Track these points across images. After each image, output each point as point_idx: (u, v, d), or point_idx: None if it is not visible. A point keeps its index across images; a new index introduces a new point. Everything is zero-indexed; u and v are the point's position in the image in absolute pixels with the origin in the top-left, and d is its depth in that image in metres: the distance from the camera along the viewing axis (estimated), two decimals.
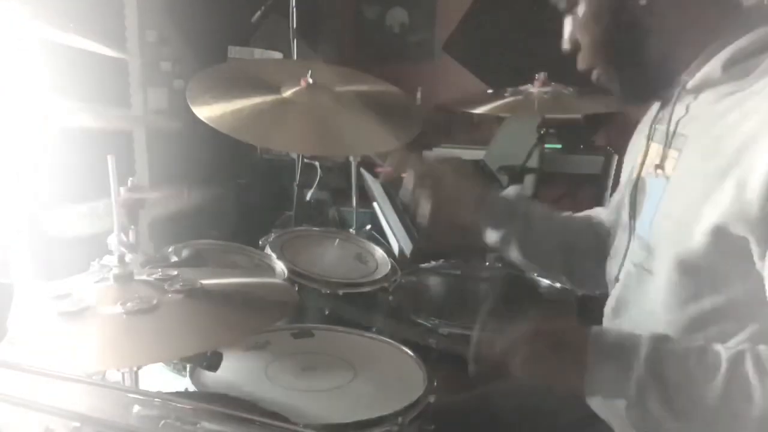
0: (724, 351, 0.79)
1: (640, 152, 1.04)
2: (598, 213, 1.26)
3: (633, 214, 1.01)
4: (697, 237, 0.83)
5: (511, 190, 1.25)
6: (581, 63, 0.99)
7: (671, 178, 0.92)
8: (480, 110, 1.95)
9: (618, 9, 0.92)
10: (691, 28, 0.90)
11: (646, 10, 0.89)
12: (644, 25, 0.91)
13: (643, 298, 0.96)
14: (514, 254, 1.22)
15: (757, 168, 0.76)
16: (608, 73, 0.98)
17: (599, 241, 1.16)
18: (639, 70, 0.96)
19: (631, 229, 1.02)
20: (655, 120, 1.02)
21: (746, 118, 0.81)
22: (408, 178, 1.18)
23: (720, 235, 0.80)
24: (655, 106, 1.04)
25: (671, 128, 0.94)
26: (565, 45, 1.00)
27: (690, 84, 0.91)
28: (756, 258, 0.79)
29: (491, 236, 1.22)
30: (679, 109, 0.94)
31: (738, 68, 0.86)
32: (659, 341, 0.82)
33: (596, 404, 1.01)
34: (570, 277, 1.26)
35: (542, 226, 1.21)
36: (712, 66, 0.88)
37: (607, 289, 1.17)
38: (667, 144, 0.94)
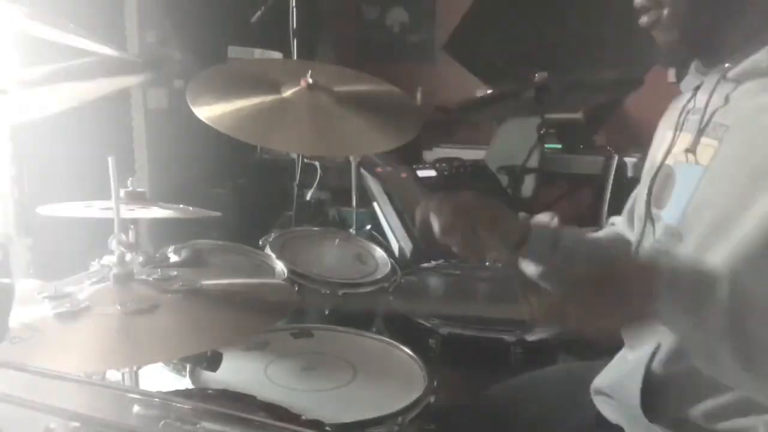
0: None
1: (664, 142, 1.03)
2: (618, 224, 1.22)
3: (650, 203, 1.00)
4: (741, 227, 0.82)
5: (544, 218, 1.16)
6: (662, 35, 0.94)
7: (710, 167, 0.90)
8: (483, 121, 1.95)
9: None
10: (746, 7, 0.89)
11: None
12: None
13: None
14: (554, 286, 1.16)
15: None
16: (676, 27, 0.93)
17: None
18: (695, 28, 0.93)
19: (652, 219, 1.00)
20: (685, 110, 1.01)
21: None
22: (435, 218, 1.07)
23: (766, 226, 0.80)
24: (685, 95, 1.03)
25: (707, 117, 0.93)
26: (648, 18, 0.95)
27: (733, 73, 0.90)
28: None
29: (530, 268, 1.15)
30: (716, 99, 0.93)
31: None
32: (741, 284, 0.77)
33: (606, 408, 1.01)
34: None
35: (583, 256, 1.14)
36: (759, 55, 0.87)
37: None
38: (701, 133, 0.93)
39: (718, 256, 0.85)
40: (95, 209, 1.23)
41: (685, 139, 0.97)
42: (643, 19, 0.95)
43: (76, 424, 0.51)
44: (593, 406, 1.05)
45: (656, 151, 1.06)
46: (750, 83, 0.89)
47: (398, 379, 1.15)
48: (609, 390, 1.02)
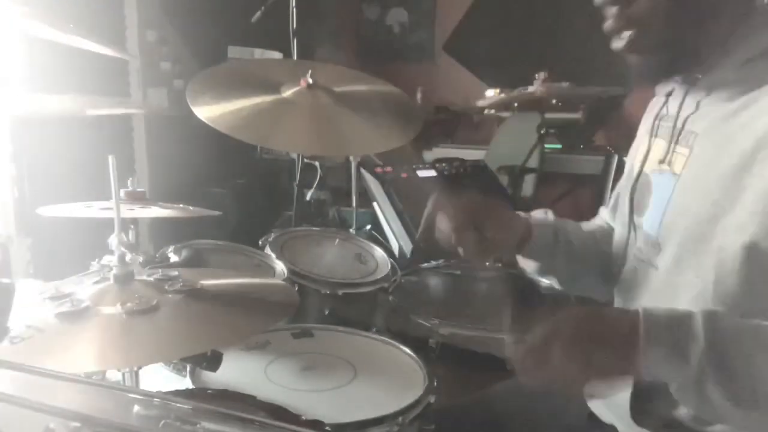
0: None
1: (642, 148, 1.03)
2: (603, 215, 1.24)
3: (633, 210, 1.00)
4: (715, 237, 0.82)
5: (539, 214, 1.18)
6: (619, 21, 0.91)
7: (682, 175, 0.91)
8: (482, 104, 1.95)
9: None
10: (714, 19, 0.88)
11: None
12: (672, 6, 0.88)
13: (648, 294, 0.95)
14: (552, 281, 1.19)
15: None
16: (646, 38, 0.91)
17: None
18: (668, 46, 0.91)
19: (634, 226, 1.01)
20: (659, 116, 1.01)
21: (761, 116, 0.80)
22: (443, 221, 1.11)
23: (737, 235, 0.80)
24: (658, 101, 1.03)
25: (678, 124, 0.93)
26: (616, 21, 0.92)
27: (702, 81, 0.90)
28: None
29: (528, 265, 1.17)
30: (688, 105, 0.93)
31: (753, 66, 0.85)
32: (715, 319, 0.75)
33: (598, 408, 1.01)
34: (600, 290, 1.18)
35: (579, 251, 1.15)
36: (726, 64, 0.87)
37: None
38: (674, 140, 0.93)
39: (693, 269, 0.85)
40: (95, 209, 1.23)
41: (659, 146, 0.97)
42: (616, 43, 0.93)
43: (77, 424, 0.51)
44: (586, 407, 1.05)
45: (634, 158, 1.06)
46: (721, 91, 0.88)
47: (398, 379, 1.15)
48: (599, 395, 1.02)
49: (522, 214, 1.17)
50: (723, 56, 0.88)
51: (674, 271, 0.89)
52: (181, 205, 1.35)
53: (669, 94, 0.99)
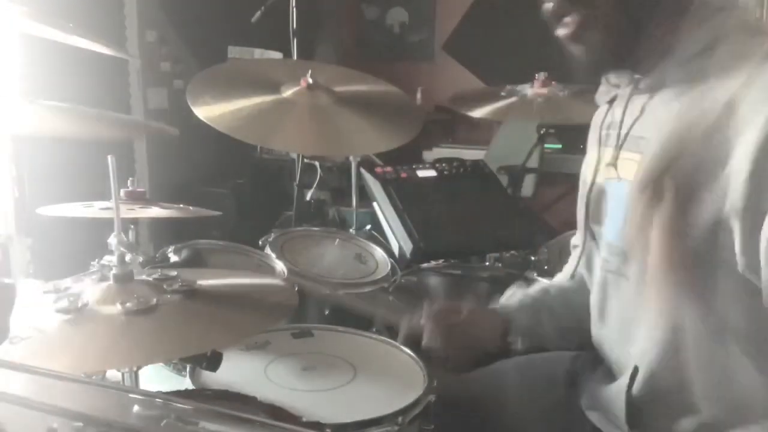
0: None
1: (592, 159, 1.00)
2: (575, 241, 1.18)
3: (588, 219, 0.99)
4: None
5: (513, 296, 1.21)
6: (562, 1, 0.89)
7: (624, 180, 0.89)
8: (477, 114, 1.94)
9: None
10: (651, 18, 0.86)
11: None
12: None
13: (621, 304, 0.94)
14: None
15: (734, 164, 0.75)
16: (583, 28, 0.88)
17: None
18: (614, 34, 0.88)
19: (592, 235, 1.00)
20: (604, 124, 0.99)
21: (706, 116, 0.79)
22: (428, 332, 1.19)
23: (700, 233, 0.79)
24: (602, 109, 1.01)
25: (624, 131, 0.91)
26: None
27: (643, 83, 0.88)
28: (737, 250, 0.76)
29: (522, 342, 1.18)
30: (632, 111, 0.91)
31: (692, 65, 0.83)
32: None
33: (599, 421, 1.01)
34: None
35: (567, 315, 1.15)
36: (672, 61, 0.85)
37: None
38: (619, 147, 0.92)
39: (662, 275, 0.84)
40: (95, 209, 1.23)
41: (609, 155, 0.95)
42: (560, 30, 0.90)
43: (80, 424, 0.51)
44: (587, 419, 1.05)
45: (586, 170, 1.03)
46: (662, 93, 0.87)
47: (398, 379, 1.15)
48: (596, 408, 1.03)
49: (496, 308, 1.20)
50: (664, 55, 0.86)
51: (640, 279, 0.88)
52: (181, 206, 1.35)
53: (611, 101, 0.97)
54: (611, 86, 0.97)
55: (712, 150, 0.77)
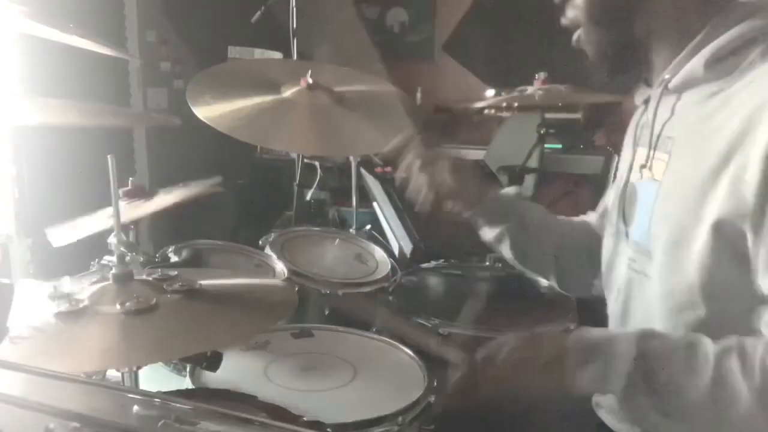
0: (711, 346, 0.78)
1: (627, 158, 1.03)
2: (591, 218, 1.26)
3: (624, 221, 1.00)
4: (697, 239, 0.82)
5: (510, 190, 1.26)
6: (571, 23, 0.97)
7: (663, 181, 0.90)
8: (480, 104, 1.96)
9: None
10: (675, 20, 0.88)
11: None
12: (633, 6, 0.90)
13: (644, 305, 0.95)
14: (506, 253, 1.24)
15: (749, 164, 0.75)
16: (592, 44, 0.95)
17: (591, 248, 1.15)
18: (621, 49, 0.94)
19: (625, 236, 1.00)
20: (639, 124, 1.01)
21: (733, 117, 0.79)
22: (408, 163, 1.21)
23: (718, 234, 0.79)
24: (639, 110, 1.03)
25: (656, 131, 0.93)
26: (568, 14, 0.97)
27: (672, 83, 0.89)
28: (750, 247, 0.78)
29: (487, 233, 1.24)
30: (663, 111, 0.92)
31: (722, 66, 0.84)
32: (646, 338, 0.82)
33: (607, 417, 1.01)
34: (560, 281, 1.26)
35: (536, 228, 1.22)
36: (695, 64, 0.86)
37: (591, 292, 1.18)
38: (653, 147, 0.93)
39: (679, 276, 0.85)
40: (102, 218, 1.23)
41: (641, 155, 0.96)
42: (573, 37, 0.96)
43: (76, 424, 0.51)
44: (595, 415, 1.05)
45: (622, 168, 1.06)
46: (692, 93, 0.88)
47: (398, 379, 1.15)
48: (604, 406, 1.03)
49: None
50: (688, 57, 0.87)
51: (664, 279, 0.88)
52: (180, 185, 1.35)
53: (646, 102, 0.98)
54: (646, 87, 0.99)
55: (736, 153, 0.78)
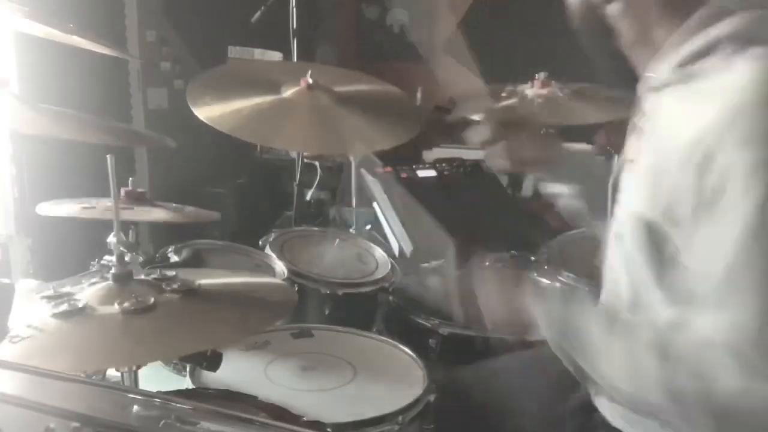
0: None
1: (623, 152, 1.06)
2: None
3: (610, 210, 1.03)
4: (629, 233, 0.87)
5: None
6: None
7: (633, 174, 0.94)
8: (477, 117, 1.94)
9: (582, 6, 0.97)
10: (652, 25, 0.91)
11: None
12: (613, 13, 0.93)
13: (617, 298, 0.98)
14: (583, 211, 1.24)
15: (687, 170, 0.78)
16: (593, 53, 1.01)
17: None
18: (610, 57, 0.98)
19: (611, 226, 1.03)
20: (634, 118, 1.04)
21: (685, 117, 0.82)
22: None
23: (643, 231, 0.85)
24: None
25: (638, 126, 0.96)
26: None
27: (652, 83, 0.93)
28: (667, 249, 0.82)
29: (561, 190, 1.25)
30: (646, 108, 0.96)
31: (685, 70, 0.86)
32: (573, 299, 0.93)
33: (606, 410, 1.01)
34: None
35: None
36: (665, 66, 0.89)
37: None
38: (633, 140, 0.97)
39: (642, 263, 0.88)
40: (96, 209, 1.23)
41: (628, 146, 1.00)
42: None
43: (76, 424, 0.51)
44: (594, 408, 1.05)
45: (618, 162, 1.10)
46: (667, 92, 0.90)
47: (398, 379, 1.15)
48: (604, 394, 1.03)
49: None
50: (662, 57, 0.90)
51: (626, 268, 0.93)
52: (184, 207, 1.35)
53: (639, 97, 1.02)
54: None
55: (693, 155, 0.79)
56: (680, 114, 0.85)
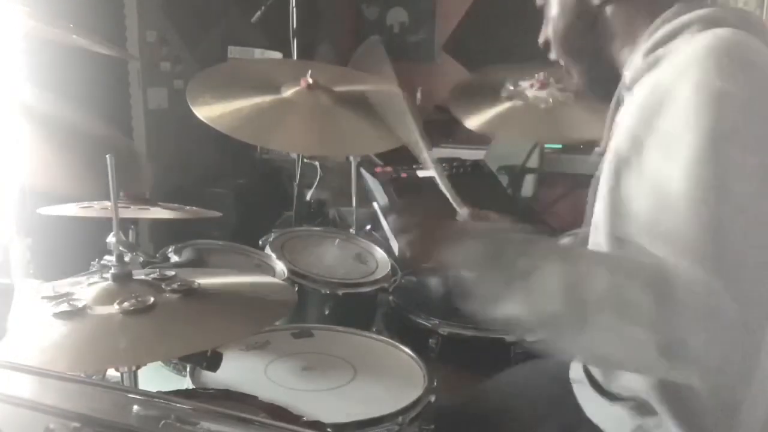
0: None
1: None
2: None
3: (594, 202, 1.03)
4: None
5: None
6: (552, 53, 1.04)
7: (604, 166, 0.96)
8: (475, 124, 1.95)
9: (578, 7, 0.96)
10: (635, 29, 0.93)
11: (599, 10, 0.94)
12: (598, 24, 0.95)
13: None
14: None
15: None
16: (569, 65, 1.02)
17: None
18: (596, 66, 1.00)
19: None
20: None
21: (649, 88, 0.84)
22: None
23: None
24: None
25: (614, 121, 0.98)
26: (540, 37, 1.04)
27: (628, 80, 0.94)
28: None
29: None
30: (619, 102, 0.98)
31: (655, 54, 0.88)
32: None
33: (591, 411, 1.01)
34: None
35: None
36: (636, 57, 0.91)
37: None
38: (609, 134, 0.99)
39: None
40: (95, 209, 1.23)
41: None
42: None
43: (77, 424, 0.51)
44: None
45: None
46: (636, 86, 0.92)
47: (398, 379, 1.15)
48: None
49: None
50: (636, 53, 0.92)
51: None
52: (184, 207, 1.35)
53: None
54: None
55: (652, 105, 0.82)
56: (646, 94, 0.86)
